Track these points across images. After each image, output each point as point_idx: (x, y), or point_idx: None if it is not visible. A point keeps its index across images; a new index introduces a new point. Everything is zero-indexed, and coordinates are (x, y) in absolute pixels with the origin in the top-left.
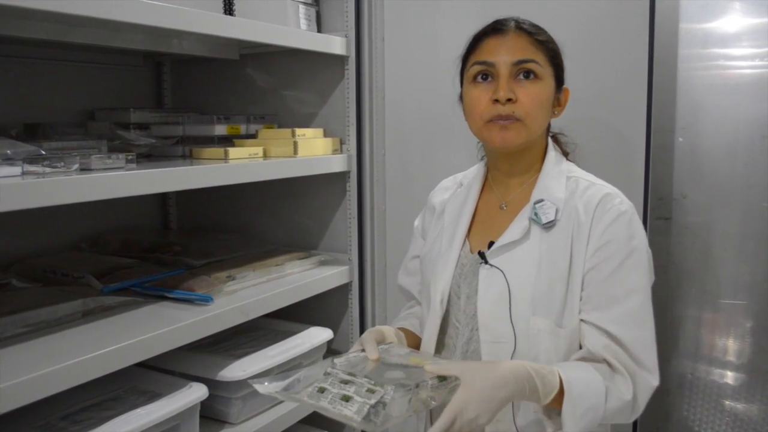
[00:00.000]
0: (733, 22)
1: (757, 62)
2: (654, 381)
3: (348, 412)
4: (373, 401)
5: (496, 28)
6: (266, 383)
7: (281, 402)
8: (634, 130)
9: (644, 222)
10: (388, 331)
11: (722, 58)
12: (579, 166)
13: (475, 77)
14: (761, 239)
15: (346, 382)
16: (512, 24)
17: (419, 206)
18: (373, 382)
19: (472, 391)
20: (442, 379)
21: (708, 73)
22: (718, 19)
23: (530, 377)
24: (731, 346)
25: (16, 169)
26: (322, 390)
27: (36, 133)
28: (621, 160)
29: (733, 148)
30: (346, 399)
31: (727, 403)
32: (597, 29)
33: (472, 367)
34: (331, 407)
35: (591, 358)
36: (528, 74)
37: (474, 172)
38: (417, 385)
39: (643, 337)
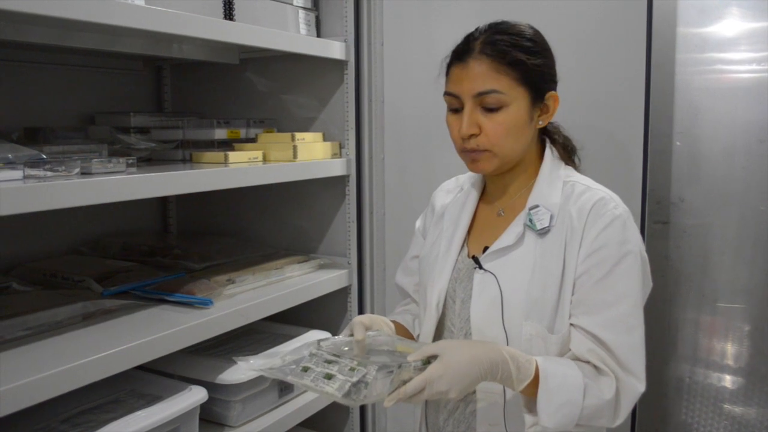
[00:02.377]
0: (730, 26)
1: (755, 66)
2: (640, 387)
3: (329, 389)
4: (354, 379)
5: (459, 56)
6: (252, 361)
7: (281, 405)
8: (632, 134)
9: (642, 226)
10: (380, 319)
11: (720, 63)
12: (577, 169)
13: (449, 105)
14: (759, 242)
15: (329, 362)
16: (477, 47)
17: (418, 210)
18: (356, 362)
19: (447, 366)
20: (425, 362)
21: (705, 77)
22: (716, 23)
23: (505, 361)
24: (729, 349)
25: (18, 173)
26: (306, 369)
27: (37, 138)
28: (619, 164)
29: (731, 151)
30: (329, 377)
31: (725, 406)
32: (594, 34)
33: (450, 344)
34: (313, 385)
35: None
36: (490, 104)
37: (474, 177)
38: (399, 366)
39: (630, 342)
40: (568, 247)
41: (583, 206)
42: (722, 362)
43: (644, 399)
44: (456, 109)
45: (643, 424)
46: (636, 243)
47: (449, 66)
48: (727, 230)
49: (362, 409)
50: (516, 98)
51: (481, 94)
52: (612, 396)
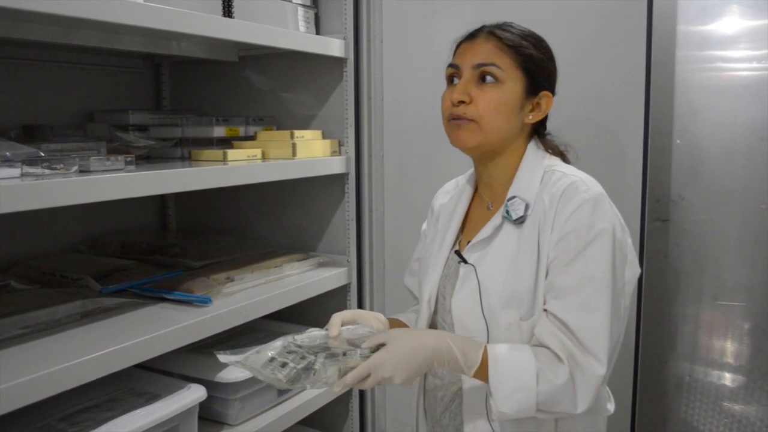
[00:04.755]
0: (730, 24)
1: (755, 64)
2: (600, 369)
3: (279, 375)
4: (301, 366)
5: (470, 34)
6: (229, 354)
7: (280, 403)
8: (632, 132)
9: (641, 224)
10: (369, 314)
11: (720, 60)
12: (576, 167)
13: (448, 79)
14: (759, 241)
15: (291, 352)
16: (486, 29)
17: (417, 208)
18: (309, 352)
19: (391, 353)
20: (375, 349)
21: (706, 75)
22: (716, 21)
23: (449, 349)
24: (729, 347)
25: (16, 171)
26: (272, 359)
27: (35, 135)
28: (619, 161)
29: (731, 149)
30: (284, 366)
31: (725, 404)
32: (594, 32)
33: (396, 333)
34: (269, 373)
35: (539, 345)
36: (485, 77)
37: (468, 175)
38: (344, 353)
39: (592, 324)
40: (542, 233)
41: (555, 192)
42: (722, 360)
43: (644, 397)
44: (451, 81)
45: (643, 422)
46: (606, 224)
47: (458, 45)
48: (728, 228)
49: (362, 408)
50: (512, 79)
51: (480, 65)
52: (565, 380)
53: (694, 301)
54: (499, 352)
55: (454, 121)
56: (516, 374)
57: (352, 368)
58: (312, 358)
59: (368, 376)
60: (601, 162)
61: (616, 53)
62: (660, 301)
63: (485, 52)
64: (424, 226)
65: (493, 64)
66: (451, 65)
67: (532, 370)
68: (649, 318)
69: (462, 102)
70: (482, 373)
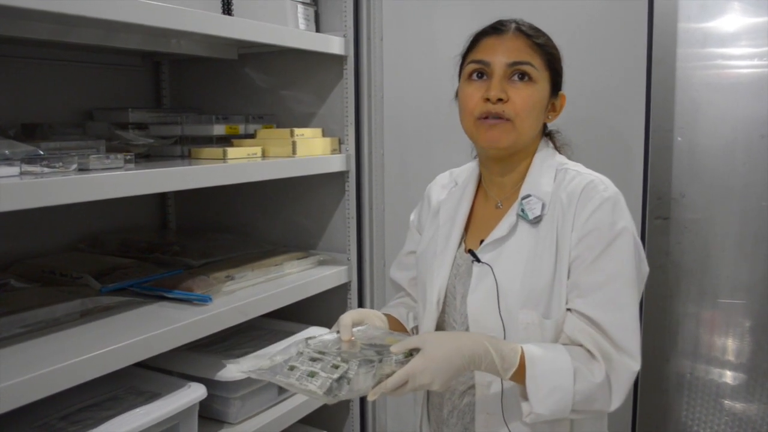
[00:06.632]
0: (731, 21)
1: (756, 61)
2: (634, 366)
3: (312, 387)
4: (336, 376)
5: (495, 28)
6: (241, 363)
7: (280, 402)
8: (633, 129)
9: (642, 221)
10: (371, 313)
11: (721, 58)
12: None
13: (470, 75)
14: (760, 238)
15: (315, 360)
16: (512, 25)
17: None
18: (339, 359)
19: (429, 359)
20: (408, 354)
21: (707, 72)
22: (717, 18)
23: (487, 352)
24: (730, 345)
25: (14, 170)
26: (292, 368)
27: (34, 134)
28: (620, 159)
29: (732, 147)
30: (312, 375)
31: (726, 402)
32: (596, 29)
33: (431, 337)
34: (298, 383)
35: (570, 344)
36: (522, 76)
37: (468, 171)
38: (380, 360)
39: (623, 320)
40: (560, 232)
41: (573, 191)
42: (723, 358)
43: (645, 395)
44: (479, 76)
45: (644, 421)
46: (626, 223)
47: (478, 38)
48: (728, 226)
49: (362, 406)
50: (543, 79)
51: (516, 63)
52: (603, 379)
53: (695, 298)
54: (535, 352)
55: (487, 120)
56: (553, 374)
57: (387, 375)
58: (344, 366)
59: (405, 383)
60: (602, 159)
61: (617, 51)
62: (661, 298)
63: (519, 49)
64: (413, 216)
65: (529, 63)
66: (476, 61)
67: (569, 370)
68: (650, 316)
69: (500, 100)
70: (518, 374)
